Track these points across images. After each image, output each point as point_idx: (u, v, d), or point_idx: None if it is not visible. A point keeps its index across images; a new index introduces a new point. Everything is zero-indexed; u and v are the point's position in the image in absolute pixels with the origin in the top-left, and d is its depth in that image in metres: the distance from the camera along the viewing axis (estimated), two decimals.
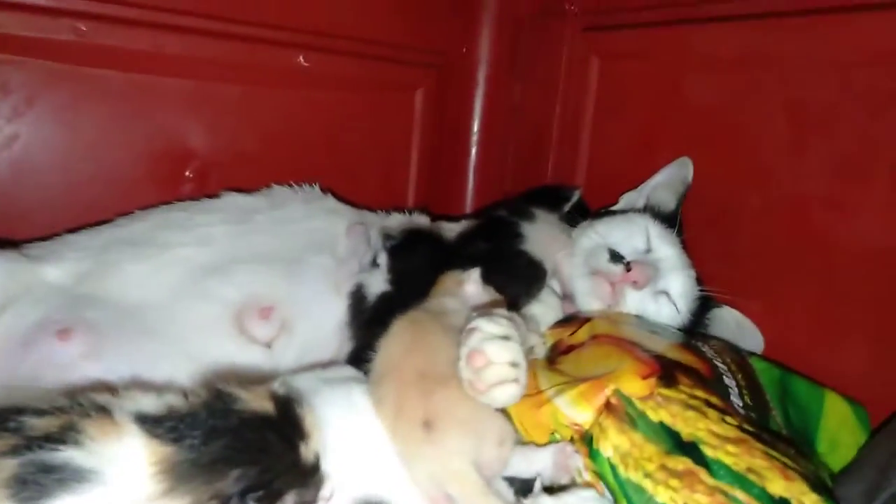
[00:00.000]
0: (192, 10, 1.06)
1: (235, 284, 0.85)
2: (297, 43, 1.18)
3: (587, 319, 0.87)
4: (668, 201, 1.04)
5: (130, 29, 1.03)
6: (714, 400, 0.67)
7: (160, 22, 1.05)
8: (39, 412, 0.53)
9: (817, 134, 0.91)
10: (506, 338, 0.63)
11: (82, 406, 0.54)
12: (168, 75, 1.09)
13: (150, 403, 0.56)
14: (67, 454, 0.50)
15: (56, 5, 0.96)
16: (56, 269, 0.82)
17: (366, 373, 0.72)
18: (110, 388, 0.59)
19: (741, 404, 0.74)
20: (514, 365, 0.62)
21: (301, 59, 1.19)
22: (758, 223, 0.98)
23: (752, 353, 0.90)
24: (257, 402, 0.56)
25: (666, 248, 0.95)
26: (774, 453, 0.61)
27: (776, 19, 0.94)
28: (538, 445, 0.71)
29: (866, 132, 0.86)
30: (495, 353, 0.61)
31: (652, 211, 1.03)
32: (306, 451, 0.55)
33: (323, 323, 0.87)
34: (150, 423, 0.53)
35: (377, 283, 0.89)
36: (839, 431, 0.81)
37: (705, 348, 0.82)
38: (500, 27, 1.35)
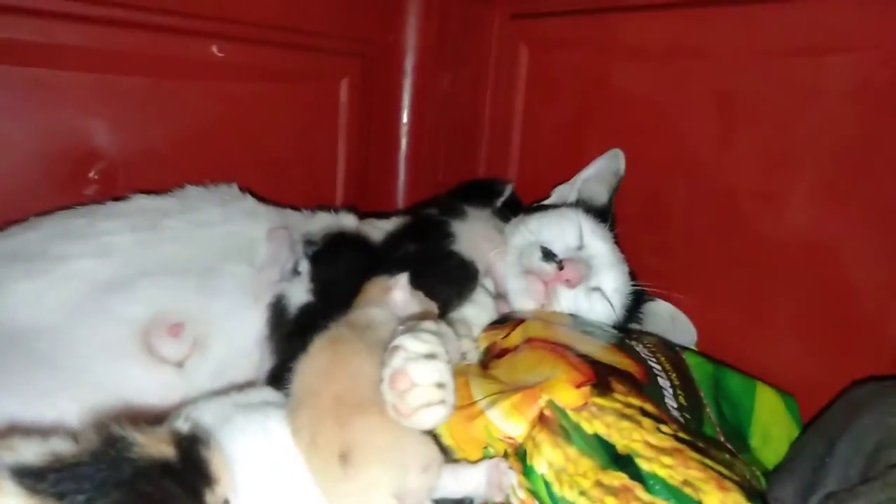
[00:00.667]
0: None
1: (141, 300, 0.78)
2: (209, 32, 1.10)
3: (521, 321, 0.85)
4: (601, 194, 1.03)
5: (17, 18, 0.94)
6: (649, 408, 0.65)
7: (51, 9, 0.95)
8: None
9: (745, 125, 0.90)
10: (431, 356, 0.59)
11: None
12: (64, 68, 0.99)
13: (31, 453, 0.49)
14: None
15: None
16: None
17: (286, 393, 0.67)
18: None
19: (675, 405, 0.73)
20: (440, 386, 0.58)
21: (214, 48, 1.11)
22: (688, 215, 0.97)
23: (686, 348, 0.89)
24: (155, 446, 0.50)
25: (598, 244, 0.93)
26: (710, 462, 0.59)
27: (704, 9, 0.92)
28: (470, 461, 0.67)
29: (792, 123, 0.86)
30: (420, 375, 0.57)
31: (584, 205, 1.01)
32: (213, 499, 0.50)
33: (240, 338, 0.81)
34: (31, 478, 0.47)
35: (299, 294, 0.83)
36: (771, 424, 0.82)
37: (639, 347, 0.81)
38: (427, 14, 1.30)
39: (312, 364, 0.62)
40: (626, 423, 0.63)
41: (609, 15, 1.04)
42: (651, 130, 1.00)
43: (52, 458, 0.49)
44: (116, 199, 0.97)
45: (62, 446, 0.50)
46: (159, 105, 1.09)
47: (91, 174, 1.05)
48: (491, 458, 0.67)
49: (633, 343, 0.82)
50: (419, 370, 0.58)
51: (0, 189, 0.97)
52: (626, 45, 1.03)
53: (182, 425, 0.56)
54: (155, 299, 0.79)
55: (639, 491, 0.57)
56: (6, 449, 0.49)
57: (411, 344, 0.60)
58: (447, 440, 0.69)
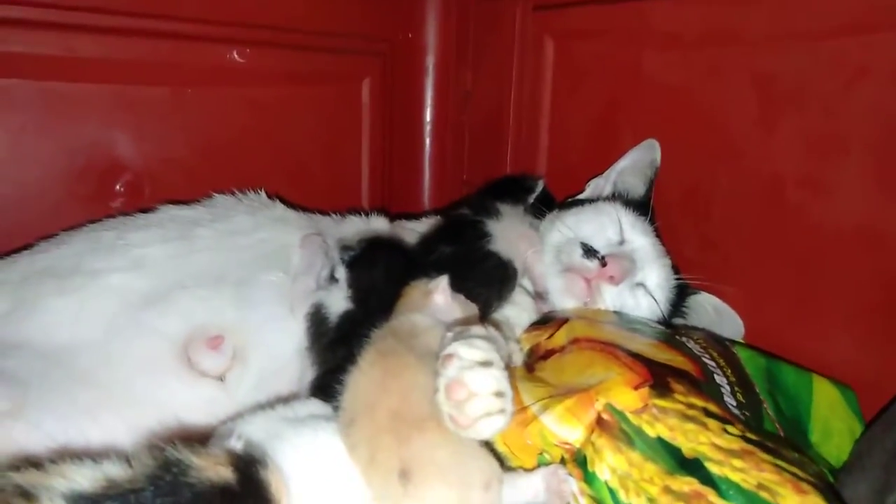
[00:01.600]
0: (105, 6, 0.96)
1: (178, 313, 0.77)
2: (229, 37, 1.09)
3: (564, 320, 0.82)
4: (637, 186, 1.00)
5: (38, 32, 0.93)
6: (712, 408, 0.62)
7: (71, 22, 0.95)
8: None
9: (788, 110, 0.87)
10: (487, 363, 0.57)
11: (2, 491, 0.46)
12: (84, 80, 0.99)
13: (84, 479, 0.47)
14: None
15: None
16: None
17: (332, 404, 0.65)
18: (34, 462, 0.50)
19: (734, 403, 0.70)
20: (498, 395, 0.56)
21: (234, 54, 1.10)
22: (730, 205, 0.94)
23: (735, 341, 0.87)
24: (213, 469, 0.48)
25: (640, 238, 0.90)
26: (783, 464, 0.57)
27: None
28: (526, 469, 0.65)
29: (838, 106, 0.83)
30: (477, 384, 0.55)
31: (621, 198, 0.98)
32: None
33: (280, 349, 0.79)
34: None
35: (337, 302, 0.81)
36: (830, 418, 0.79)
37: (691, 344, 0.78)
38: (447, 11, 1.28)
39: (364, 378, 0.60)
40: (690, 426, 0.60)
41: (638, 2, 1.01)
42: (687, 119, 0.97)
43: (108, 484, 0.47)
44: (144, 210, 0.96)
45: (116, 471, 0.49)
46: (182, 114, 1.08)
47: (117, 187, 1.04)
48: (547, 464, 0.65)
49: (684, 339, 0.79)
50: (476, 379, 0.55)
51: (27, 205, 0.97)
52: (657, 33, 0.99)
53: (235, 444, 0.54)
54: (191, 312, 0.77)
55: (712, 496, 0.55)
56: (59, 476, 0.48)
57: (465, 352, 0.57)
58: (500, 447, 0.66)
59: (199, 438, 0.57)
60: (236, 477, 0.48)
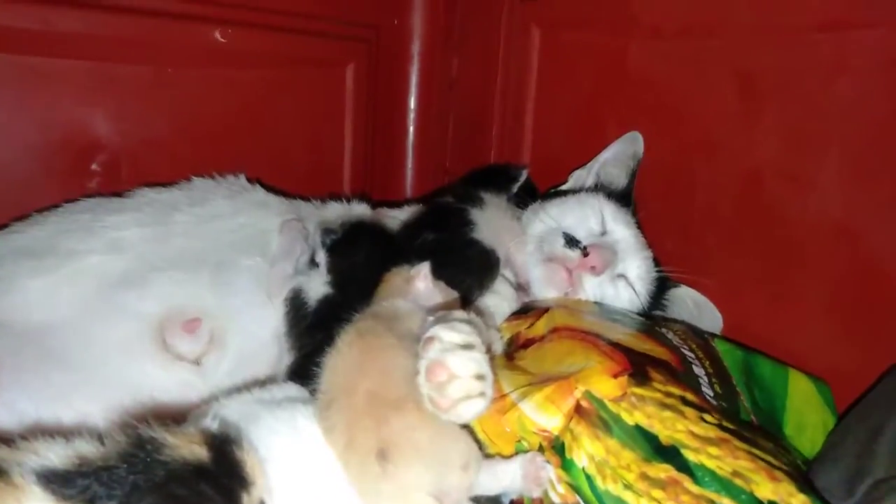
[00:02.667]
0: None
1: (154, 296, 0.76)
2: (212, 17, 1.07)
3: (545, 310, 0.82)
4: (620, 178, 1.00)
5: (14, 4, 0.90)
6: (690, 397, 0.63)
7: None
8: None
9: (768, 104, 0.88)
10: (468, 346, 0.57)
11: None
12: (62, 56, 0.96)
13: (56, 456, 0.46)
14: None
15: None
16: None
17: (309, 388, 0.65)
18: (5, 439, 0.49)
19: (711, 394, 0.71)
20: (479, 378, 0.55)
21: (217, 34, 1.07)
22: (710, 198, 0.95)
23: (714, 335, 0.87)
24: (187, 447, 0.47)
25: (621, 230, 0.91)
26: (758, 452, 0.57)
27: None
28: (504, 456, 0.65)
29: (818, 101, 0.84)
30: (458, 366, 0.55)
31: (603, 189, 0.98)
32: (249, 502, 0.47)
33: (257, 333, 0.79)
34: (58, 483, 0.44)
35: (317, 286, 0.81)
36: (805, 411, 0.80)
37: (670, 335, 0.79)
38: None
39: (342, 359, 0.59)
40: (668, 413, 0.60)
41: None
42: (670, 111, 0.98)
43: (79, 461, 0.46)
44: (120, 193, 0.94)
45: (88, 448, 0.48)
46: (161, 93, 1.06)
47: (93, 166, 1.02)
48: (525, 451, 0.65)
49: (663, 330, 0.80)
50: (457, 361, 0.55)
51: (1, 184, 0.94)
52: (642, 25, 1.00)
53: (210, 424, 0.53)
54: (168, 295, 0.76)
55: (687, 483, 0.55)
56: (30, 452, 0.47)
57: (447, 334, 0.57)
58: (478, 434, 0.66)
59: (173, 420, 0.56)
60: (210, 456, 0.47)
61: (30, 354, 0.68)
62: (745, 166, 0.91)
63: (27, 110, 0.96)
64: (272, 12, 1.12)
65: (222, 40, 1.08)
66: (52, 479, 0.45)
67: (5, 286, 0.73)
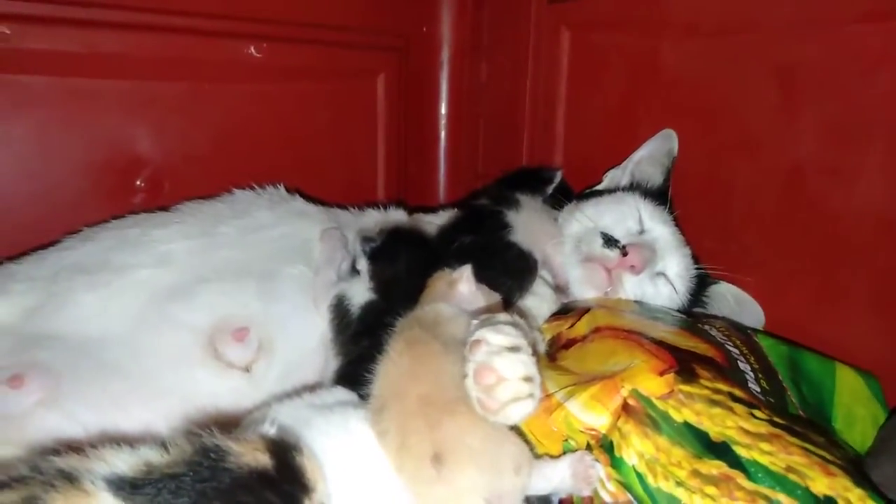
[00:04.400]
0: (124, 2, 0.97)
1: (204, 307, 0.78)
2: (246, 33, 1.09)
3: (585, 310, 0.83)
4: (655, 176, 1.00)
5: (59, 29, 0.94)
6: (739, 393, 0.63)
7: (91, 19, 0.96)
8: None
9: (808, 98, 0.87)
10: (515, 349, 0.57)
11: (44, 474, 0.46)
12: (105, 77, 0.99)
13: (123, 463, 0.48)
14: None
15: None
16: (1, 307, 0.73)
17: (357, 392, 0.66)
18: (75, 448, 0.51)
19: (758, 390, 0.71)
20: (527, 379, 0.56)
21: (251, 49, 1.10)
22: (750, 195, 0.94)
23: (757, 330, 0.87)
24: (251, 454, 0.48)
25: (660, 228, 0.91)
26: (811, 447, 0.57)
27: None
28: (552, 456, 0.66)
29: (860, 94, 0.83)
30: (506, 369, 0.55)
31: (639, 188, 0.98)
32: None
33: (304, 340, 0.80)
34: (127, 490, 0.46)
35: (360, 293, 0.82)
36: (853, 405, 0.79)
37: (713, 332, 0.79)
38: (462, 4, 1.28)
39: (394, 367, 0.60)
40: (717, 410, 0.60)
41: None
42: (706, 109, 0.97)
43: (147, 469, 0.48)
44: (164, 207, 0.96)
45: (154, 456, 0.49)
46: (199, 109, 1.08)
47: (138, 182, 1.04)
48: (572, 451, 0.65)
49: (706, 327, 0.80)
50: (505, 364, 0.56)
51: (50, 201, 0.97)
52: (676, 23, 0.99)
53: (268, 430, 0.55)
54: (217, 305, 0.78)
55: (741, 479, 0.55)
56: (99, 460, 0.48)
57: (493, 337, 0.58)
58: (525, 435, 0.67)
59: (226, 426, 0.57)
60: (273, 462, 0.49)
61: (88, 366, 0.70)
62: (786, 162, 0.90)
63: (74, 130, 0.98)
64: (304, 26, 1.14)
65: (257, 55, 1.10)
66: (121, 486, 0.46)
67: (61, 301, 0.76)
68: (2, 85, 0.92)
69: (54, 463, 0.47)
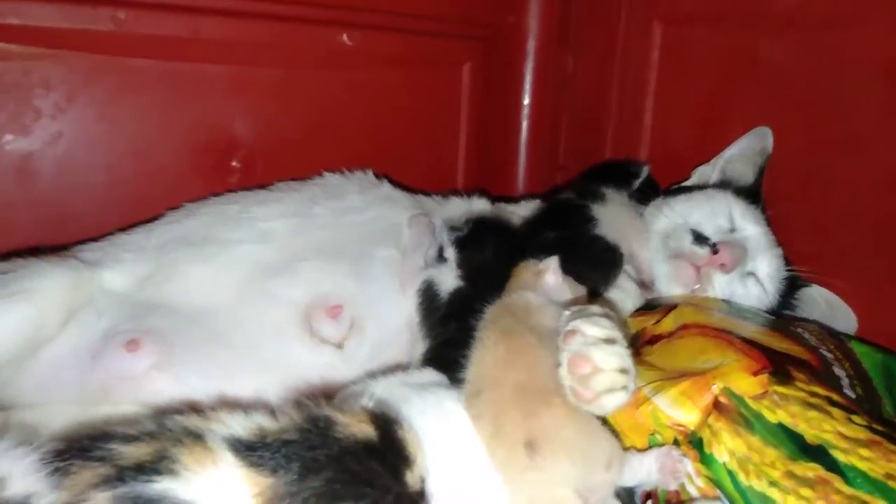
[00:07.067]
0: None
1: (301, 283, 0.81)
2: (339, 21, 1.12)
3: (672, 306, 0.82)
4: (746, 174, 0.98)
5: (167, 15, 0.99)
6: (836, 397, 0.62)
7: (196, 6, 1.01)
8: (127, 438, 0.49)
9: None
10: (611, 341, 0.58)
11: (172, 431, 0.50)
12: (206, 61, 1.04)
13: (240, 426, 0.51)
14: (164, 485, 0.46)
15: None
16: (116, 274, 0.79)
17: (446, 374, 0.68)
18: (195, 409, 0.55)
19: (853, 396, 0.69)
20: (623, 371, 0.57)
21: (344, 37, 1.13)
22: (849, 196, 0.91)
23: (850, 336, 0.84)
24: (357, 425, 0.51)
25: (751, 227, 0.89)
26: None
27: None
28: (638, 449, 0.66)
29: None
30: (603, 360, 0.56)
31: (729, 185, 0.96)
32: (412, 479, 0.51)
33: (393, 320, 0.83)
34: (246, 450, 0.49)
35: (448, 279, 0.84)
36: None
37: (806, 335, 0.77)
38: None
39: (489, 355, 0.61)
40: (813, 413, 0.59)
41: None
42: (805, 106, 0.94)
43: (261, 433, 0.51)
44: (256, 186, 1.01)
45: (265, 421, 0.52)
46: (292, 94, 1.12)
47: (233, 163, 1.09)
48: (659, 445, 0.65)
49: (798, 330, 0.78)
50: (602, 355, 0.57)
51: (154, 179, 1.03)
52: (776, 17, 0.97)
53: (367, 404, 0.57)
54: (313, 283, 0.82)
55: (838, 483, 0.54)
56: (218, 422, 0.52)
57: (589, 328, 0.59)
58: (612, 426, 0.67)
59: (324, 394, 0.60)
60: (377, 434, 0.51)
61: (197, 334, 0.75)
62: (889, 162, 0.87)
63: (178, 113, 1.04)
64: (394, 14, 1.16)
65: (349, 43, 1.13)
66: (240, 447, 0.49)
67: (170, 271, 0.81)
68: (113, 68, 0.97)
69: (179, 421, 0.51)
